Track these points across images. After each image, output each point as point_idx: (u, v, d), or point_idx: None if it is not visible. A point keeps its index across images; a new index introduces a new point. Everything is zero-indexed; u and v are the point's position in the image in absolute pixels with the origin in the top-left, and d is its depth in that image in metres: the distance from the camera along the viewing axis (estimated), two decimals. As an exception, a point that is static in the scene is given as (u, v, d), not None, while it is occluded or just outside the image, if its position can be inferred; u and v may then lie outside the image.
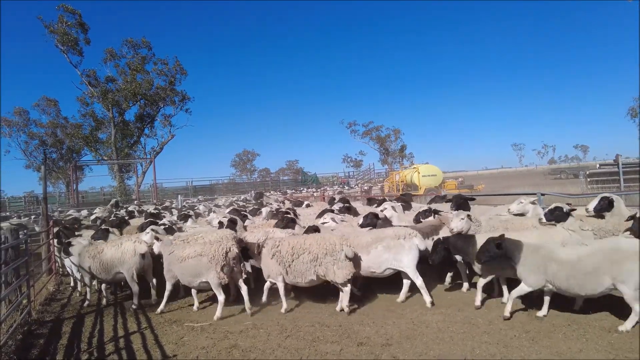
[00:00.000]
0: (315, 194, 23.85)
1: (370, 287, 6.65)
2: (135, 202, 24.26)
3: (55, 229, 8.92)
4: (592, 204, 5.94)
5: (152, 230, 7.04)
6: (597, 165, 20.68)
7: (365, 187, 28.81)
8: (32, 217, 18.23)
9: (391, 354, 4.48)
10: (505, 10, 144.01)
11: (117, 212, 14.20)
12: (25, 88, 70.07)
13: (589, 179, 17.51)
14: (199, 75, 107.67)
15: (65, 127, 38.13)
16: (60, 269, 9.51)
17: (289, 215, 7.49)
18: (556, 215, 5.64)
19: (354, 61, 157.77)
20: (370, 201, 11.76)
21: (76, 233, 8.34)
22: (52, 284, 8.64)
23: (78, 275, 7.44)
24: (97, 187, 47.31)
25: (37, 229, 12.92)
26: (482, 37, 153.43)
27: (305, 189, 32.56)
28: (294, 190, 30.78)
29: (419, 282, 5.81)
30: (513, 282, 5.35)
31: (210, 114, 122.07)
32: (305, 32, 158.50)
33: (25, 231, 7.13)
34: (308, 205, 11.56)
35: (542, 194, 8.48)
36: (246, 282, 6.28)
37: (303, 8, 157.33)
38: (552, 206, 5.71)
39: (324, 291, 6.43)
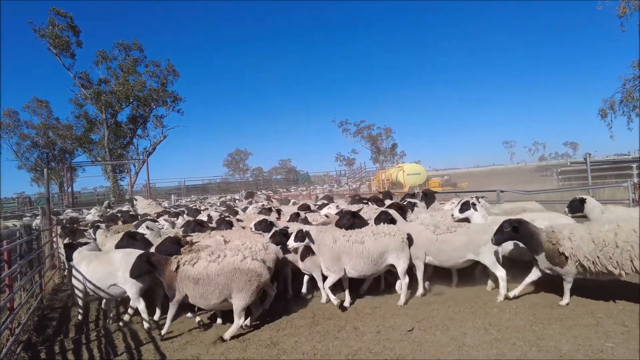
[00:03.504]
0: (303, 193, 24.74)
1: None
2: (129, 201, 24.85)
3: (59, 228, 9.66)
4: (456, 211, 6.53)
5: (147, 226, 7.80)
6: (569, 163, 21.86)
7: (354, 186, 29.75)
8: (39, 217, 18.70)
9: (353, 325, 5.38)
10: (497, 9, 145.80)
11: (115, 213, 14.89)
12: (15, 89, 69.66)
13: (560, 177, 18.63)
14: (191, 75, 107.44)
15: (57, 128, 38.46)
16: (62, 264, 10.24)
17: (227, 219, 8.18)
18: (465, 208, 6.48)
19: (346, 60, 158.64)
20: (354, 199, 12.64)
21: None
22: (57, 277, 9.41)
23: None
24: (90, 187, 47.66)
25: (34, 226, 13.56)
26: (474, 36, 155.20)
27: (294, 188, 33.38)
28: (284, 190, 31.59)
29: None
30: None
31: (202, 114, 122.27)
32: (297, 31, 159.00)
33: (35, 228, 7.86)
34: (294, 203, 12.46)
35: (502, 191, 9.47)
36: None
37: (294, 8, 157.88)
38: (464, 200, 6.49)
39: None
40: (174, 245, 5.83)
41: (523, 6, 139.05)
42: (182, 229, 7.81)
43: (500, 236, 5.52)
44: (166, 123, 37.20)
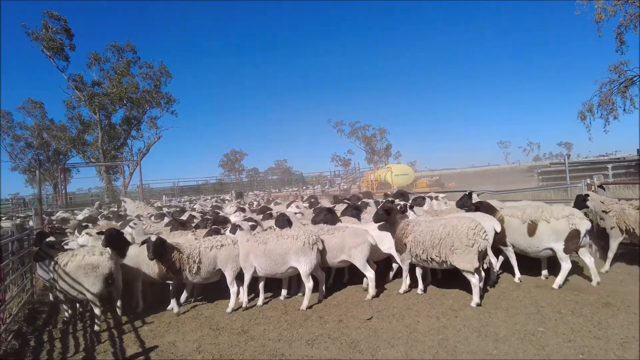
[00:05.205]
0: (292, 193, 25.19)
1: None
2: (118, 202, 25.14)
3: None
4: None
5: (132, 225, 8.24)
6: (549, 164, 22.47)
7: (345, 186, 30.24)
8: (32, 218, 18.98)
9: (319, 315, 5.88)
10: (491, 9, 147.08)
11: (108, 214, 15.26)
12: (9, 90, 69.56)
13: (540, 177, 19.21)
14: (185, 76, 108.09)
15: (51, 129, 38.66)
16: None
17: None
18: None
19: (342, 60, 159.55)
20: (336, 199, 13.14)
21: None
22: (47, 275, 9.84)
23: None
24: (85, 188, 47.83)
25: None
26: (471, 36, 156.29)
27: (287, 189, 33.80)
28: (277, 190, 32.01)
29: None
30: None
31: (198, 115, 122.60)
32: (292, 32, 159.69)
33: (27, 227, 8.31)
34: (277, 204, 13.03)
35: (472, 191, 9.96)
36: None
37: (290, 8, 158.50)
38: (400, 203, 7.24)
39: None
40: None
41: (521, 6, 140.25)
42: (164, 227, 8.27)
43: (376, 216, 6.72)
44: (160, 124, 37.62)
